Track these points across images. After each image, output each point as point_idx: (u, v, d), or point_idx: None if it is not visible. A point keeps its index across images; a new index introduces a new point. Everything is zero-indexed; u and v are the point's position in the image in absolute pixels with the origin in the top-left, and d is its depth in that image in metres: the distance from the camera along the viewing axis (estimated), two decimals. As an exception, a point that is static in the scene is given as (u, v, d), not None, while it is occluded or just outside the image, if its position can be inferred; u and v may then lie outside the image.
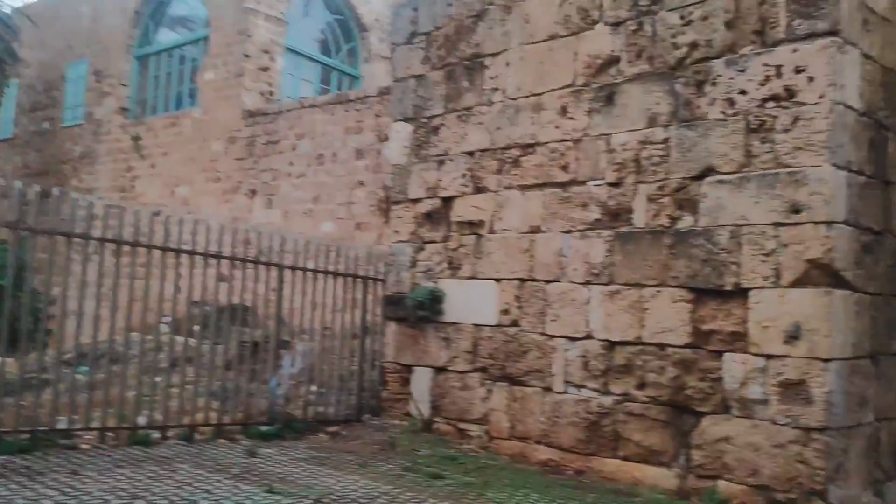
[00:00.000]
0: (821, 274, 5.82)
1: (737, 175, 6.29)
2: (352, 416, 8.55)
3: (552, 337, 7.38)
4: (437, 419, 8.25)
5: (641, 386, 6.70)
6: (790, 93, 6.02)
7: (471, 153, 8.26)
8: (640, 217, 6.85)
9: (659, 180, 6.76)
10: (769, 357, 5.99)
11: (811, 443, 5.73)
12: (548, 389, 7.35)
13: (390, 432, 8.06)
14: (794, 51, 6.02)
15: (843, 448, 5.82)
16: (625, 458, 6.74)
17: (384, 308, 8.89)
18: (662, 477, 6.48)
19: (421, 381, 8.46)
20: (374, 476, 6.30)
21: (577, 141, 7.36)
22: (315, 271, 8.43)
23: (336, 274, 8.65)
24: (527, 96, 7.80)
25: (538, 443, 7.36)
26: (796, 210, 5.94)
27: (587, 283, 7.16)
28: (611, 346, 6.94)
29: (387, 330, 8.88)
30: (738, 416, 6.13)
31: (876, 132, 6.41)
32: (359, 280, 8.83)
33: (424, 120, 8.78)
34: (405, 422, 8.41)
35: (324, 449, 7.34)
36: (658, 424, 6.57)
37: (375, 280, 8.98)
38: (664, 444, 6.52)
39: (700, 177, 6.50)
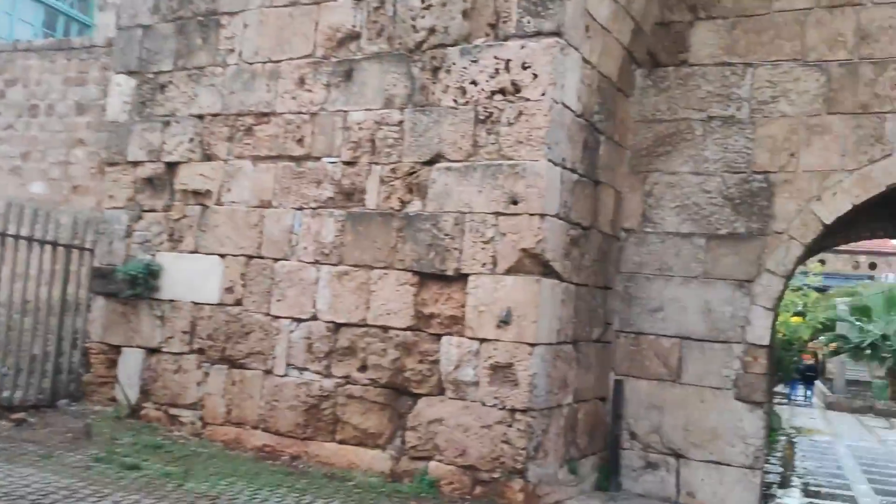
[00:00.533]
0: (533, 263, 6.10)
1: (464, 163, 6.40)
2: (44, 402, 7.55)
3: (277, 318, 7.05)
4: (146, 405, 7.55)
5: (363, 368, 6.61)
6: (516, 87, 6.23)
7: (200, 116, 7.63)
8: (373, 198, 6.74)
9: (392, 162, 6.69)
10: (482, 341, 6.17)
11: (515, 423, 5.99)
12: (269, 372, 7.02)
13: (89, 419, 7.22)
14: (522, 47, 6.23)
15: (543, 428, 6.16)
16: (342, 442, 6.62)
17: (92, 282, 7.96)
18: (378, 460, 6.45)
19: (130, 364, 7.69)
20: (56, 469, 5.56)
21: (313, 115, 7.08)
22: (15, 237, 7.32)
23: (38, 241, 7.57)
24: (264, 62, 7.36)
25: (255, 428, 7.00)
26: (514, 201, 6.16)
27: (316, 262, 6.93)
28: (336, 327, 6.77)
29: (93, 306, 7.96)
30: (451, 398, 6.26)
31: (590, 134, 6.87)
32: (61, 249, 7.81)
33: (150, 75, 7.97)
34: (109, 408, 7.60)
35: (1, 439, 6.36)
36: (377, 407, 6.52)
37: (83, 250, 8.00)
38: (381, 426, 6.49)
39: (431, 162, 6.53)
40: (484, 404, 6.11)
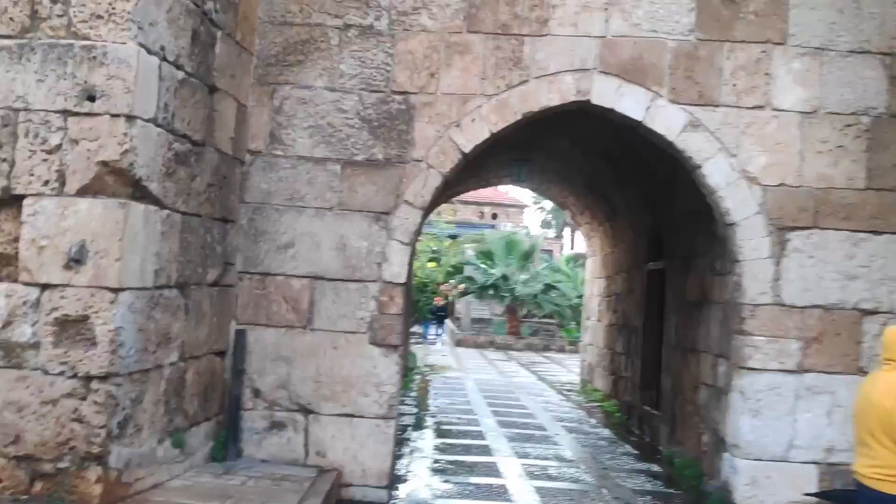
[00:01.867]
0: (117, 182, 4.60)
1: (17, 41, 4.60)
2: None
3: None
4: None
5: None
6: (94, -58, 4.58)
7: None
8: None
9: None
10: (45, 287, 4.53)
11: (91, 394, 4.50)
12: None
13: None
14: None
15: (133, 397, 4.76)
16: None
17: None
18: None
19: None
20: None
21: None
22: None
23: None
24: None
25: None
26: (91, 97, 4.57)
27: None
28: None
29: None
30: (1, 368, 4.54)
31: (202, 24, 5.46)
32: None
33: None
34: None
35: None
36: None
37: None
38: None
39: (-35, 36, 4.59)
40: (47, 372, 4.51)
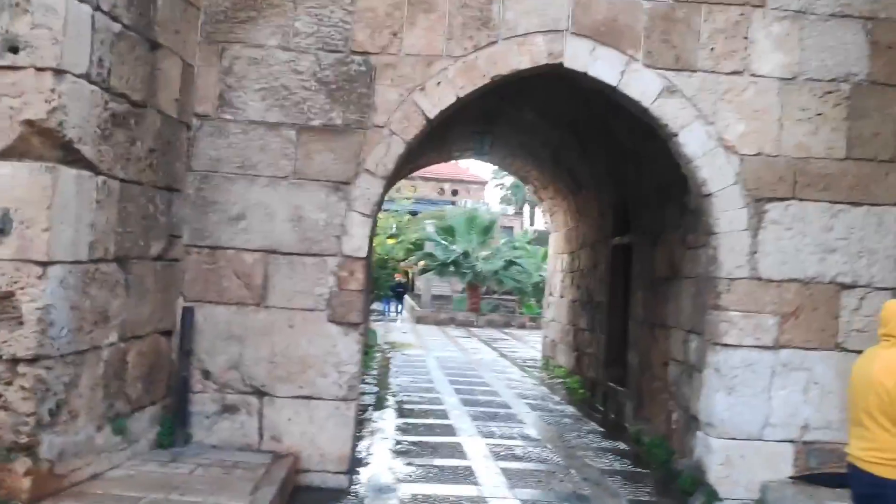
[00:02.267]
0: (45, 143, 4.13)
1: (-74, -18, 4.07)
2: None
3: None
4: None
5: None
6: None
7: None
8: None
9: None
10: (-37, 260, 4.06)
11: (18, 379, 4.06)
12: None
13: None
14: None
15: (68, 381, 4.33)
16: None
17: None
18: None
19: None
20: None
21: None
22: None
23: None
24: None
25: None
26: (13, 48, 4.07)
27: None
28: None
29: None
30: (-86, 350, 4.06)
31: (141, -29, 4.97)
32: None
33: None
34: None
35: None
36: None
37: None
38: None
39: None
40: (-33, 355, 4.05)
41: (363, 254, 5.93)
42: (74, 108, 4.24)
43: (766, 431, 5.88)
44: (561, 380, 12.84)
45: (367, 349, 14.80)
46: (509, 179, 56.64)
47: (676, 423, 7.05)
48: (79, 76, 4.28)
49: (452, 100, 5.99)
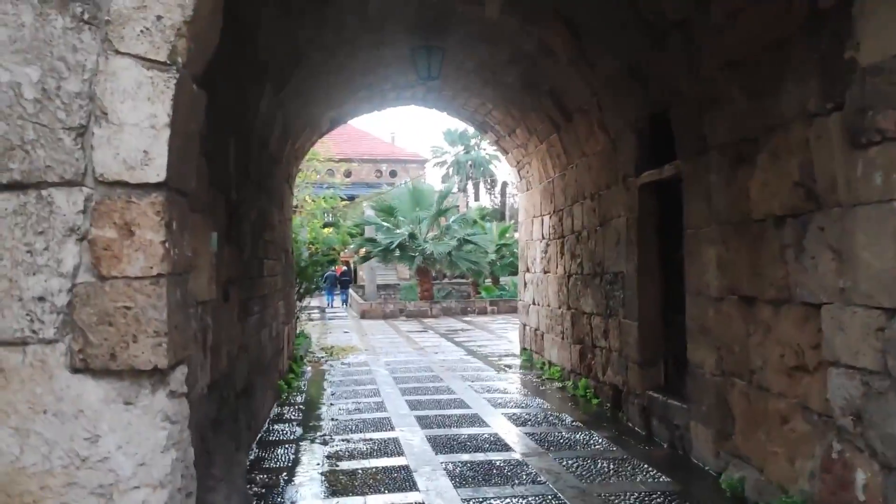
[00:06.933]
0: None
1: None
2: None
3: None
4: None
5: None
6: None
7: None
8: None
9: None
10: None
11: None
12: None
13: None
14: None
15: None
16: None
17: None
18: None
19: None
20: None
21: None
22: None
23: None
24: None
25: None
26: None
27: None
28: None
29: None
30: None
31: None
32: None
33: None
34: None
35: None
36: None
37: None
38: None
39: None
40: None
41: (163, 177, 2.27)
42: None
43: None
44: (558, 384, 9.41)
45: (296, 361, 11.12)
46: (450, 157, 53.06)
47: (848, 482, 3.65)
48: None
49: None
